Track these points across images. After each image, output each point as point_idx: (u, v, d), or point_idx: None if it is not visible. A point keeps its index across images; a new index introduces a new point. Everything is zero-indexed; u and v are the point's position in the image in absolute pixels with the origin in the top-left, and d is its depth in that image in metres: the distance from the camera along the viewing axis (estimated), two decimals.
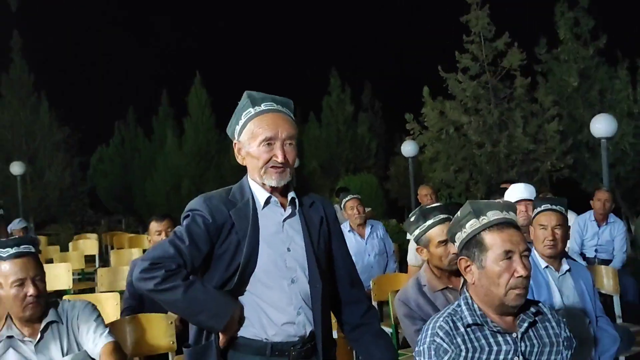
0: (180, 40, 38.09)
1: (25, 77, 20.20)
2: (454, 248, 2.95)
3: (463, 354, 2.20)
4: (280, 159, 2.35)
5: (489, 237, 2.24)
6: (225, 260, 2.36)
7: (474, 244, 2.27)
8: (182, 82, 21.43)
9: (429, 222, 3.20)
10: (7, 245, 2.88)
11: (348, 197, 6.73)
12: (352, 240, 6.30)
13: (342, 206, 6.74)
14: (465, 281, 2.37)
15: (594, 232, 6.93)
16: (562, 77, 14.27)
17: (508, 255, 2.21)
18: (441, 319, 2.27)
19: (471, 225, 2.28)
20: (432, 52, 15.39)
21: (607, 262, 6.59)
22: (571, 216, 7.11)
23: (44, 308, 2.93)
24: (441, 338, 2.21)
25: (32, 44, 21.38)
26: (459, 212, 2.38)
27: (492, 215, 2.27)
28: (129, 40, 36.12)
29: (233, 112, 2.51)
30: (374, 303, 5.62)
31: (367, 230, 6.55)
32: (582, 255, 6.86)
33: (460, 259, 2.32)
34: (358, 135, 21.24)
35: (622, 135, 12.95)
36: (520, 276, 2.19)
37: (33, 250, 2.96)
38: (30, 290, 2.83)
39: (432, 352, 2.21)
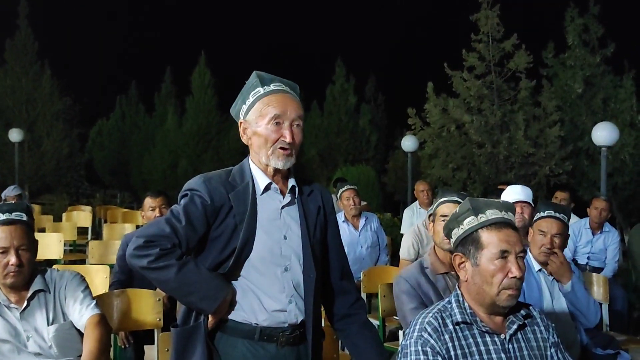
0: (187, 19, 38.01)
1: (30, 45, 20.14)
2: None
3: (451, 352, 2.19)
4: (288, 139, 2.32)
5: (486, 236, 2.23)
6: (221, 243, 2.33)
7: (470, 241, 2.26)
8: (186, 61, 21.38)
9: (443, 198, 3.43)
10: None
11: (345, 187, 6.69)
12: (345, 231, 6.28)
13: (338, 196, 6.71)
14: (458, 278, 2.36)
15: (587, 240, 6.95)
16: (567, 83, 14.28)
17: (504, 254, 2.20)
18: (430, 314, 2.25)
19: (469, 222, 2.27)
20: (438, 48, 15.36)
21: (598, 270, 6.60)
22: (573, 219, 7.18)
23: (27, 277, 2.90)
24: (429, 334, 2.20)
25: (39, 12, 21.28)
26: (457, 209, 2.37)
27: (491, 214, 2.26)
28: (136, 15, 36.04)
29: (236, 94, 2.47)
30: (364, 295, 5.62)
31: (362, 221, 6.53)
32: (574, 261, 6.87)
33: (455, 255, 2.32)
34: (359, 126, 21.18)
35: (622, 145, 12.96)
36: (514, 277, 2.18)
37: (25, 218, 2.91)
38: (12, 259, 2.81)
39: (419, 348, 2.19)
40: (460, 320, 2.23)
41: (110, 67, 30.47)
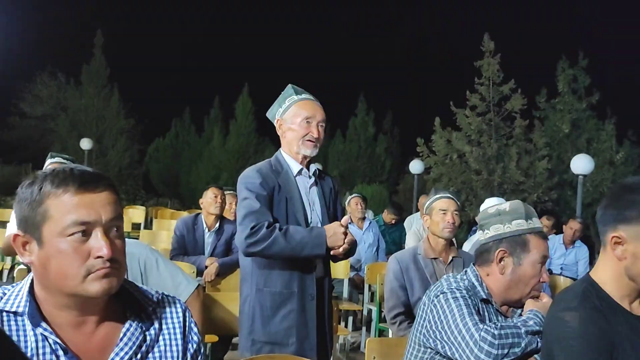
0: (234, 56, 38.70)
1: (103, 70, 20.62)
2: (450, 218, 3.34)
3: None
4: (315, 135, 2.65)
5: (534, 241, 2.14)
6: (281, 214, 2.61)
7: (518, 241, 2.14)
8: (232, 91, 21.76)
9: (438, 195, 3.53)
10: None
11: (353, 195, 6.94)
12: (351, 230, 6.45)
13: (347, 202, 6.91)
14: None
15: (561, 253, 7.06)
16: (556, 124, 14.30)
17: (543, 261, 2.14)
18: (463, 289, 2.13)
19: (519, 224, 2.16)
20: (446, 89, 15.50)
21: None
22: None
23: None
24: (468, 296, 2.12)
25: (112, 43, 21.85)
26: (506, 208, 2.22)
27: (537, 223, 2.20)
28: (192, 51, 36.81)
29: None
30: (366, 285, 5.79)
31: (365, 224, 6.73)
32: (549, 271, 6.95)
33: (499, 250, 2.16)
34: (376, 153, 21.30)
35: (602, 179, 12.94)
36: (544, 282, 2.15)
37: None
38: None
39: (465, 294, 2.11)
40: (484, 297, 2.16)
41: (169, 94, 31.04)
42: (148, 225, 12.22)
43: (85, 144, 16.50)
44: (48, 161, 3.86)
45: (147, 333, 1.34)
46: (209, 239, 5.04)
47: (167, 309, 1.40)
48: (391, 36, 42.20)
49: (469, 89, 13.91)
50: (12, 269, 3.69)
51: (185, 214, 9.89)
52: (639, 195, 1.61)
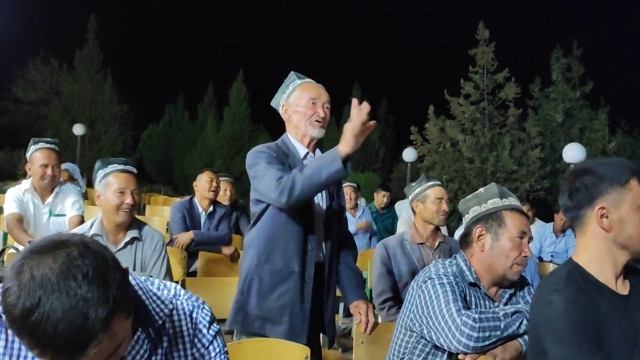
0: (229, 42, 38.48)
1: (96, 56, 20.51)
2: (445, 206, 3.42)
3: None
4: (322, 114, 2.59)
5: (509, 216, 2.21)
6: None
7: (494, 218, 2.22)
8: (226, 77, 21.69)
9: (430, 182, 3.53)
10: (116, 162, 2.88)
11: (346, 184, 6.81)
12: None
13: None
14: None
15: (552, 241, 7.09)
16: (550, 113, 14.34)
17: (521, 235, 2.20)
18: (450, 275, 2.17)
19: (494, 202, 2.25)
20: (441, 77, 15.51)
21: None
22: (538, 223, 7.46)
23: (132, 220, 2.88)
24: (455, 281, 2.16)
25: (106, 28, 21.72)
26: (481, 190, 2.34)
27: (513, 201, 2.27)
28: (186, 37, 36.57)
29: (267, 107, 2.77)
30: None
31: (359, 212, 6.73)
32: (540, 258, 7.00)
33: (476, 228, 2.25)
34: (370, 141, 21.28)
35: None
36: (526, 256, 2.19)
37: (135, 171, 2.92)
38: (129, 199, 2.78)
39: (452, 280, 2.15)
40: (472, 280, 2.20)
41: (162, 80, 30.90)
42: (141, 211, 12.21)
43: (78, 129, 16.43)
44: (32, 147, 3.87)
45: (152, 350, 1.35)
46: (204, 221, 5.07)
47: (177, 321, 1.41)
48: (386, 24, 42.12)
49: (463, 77, 13.93)
50: (2, 252, 3.69)
51: (177, 200, 9.90)
52: (597, 169, 1.69)
